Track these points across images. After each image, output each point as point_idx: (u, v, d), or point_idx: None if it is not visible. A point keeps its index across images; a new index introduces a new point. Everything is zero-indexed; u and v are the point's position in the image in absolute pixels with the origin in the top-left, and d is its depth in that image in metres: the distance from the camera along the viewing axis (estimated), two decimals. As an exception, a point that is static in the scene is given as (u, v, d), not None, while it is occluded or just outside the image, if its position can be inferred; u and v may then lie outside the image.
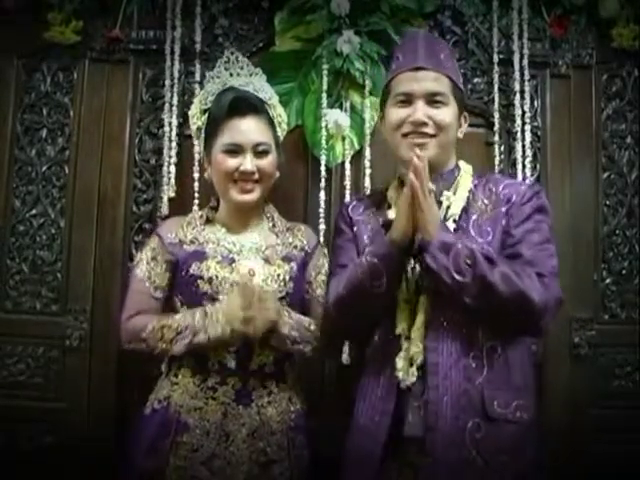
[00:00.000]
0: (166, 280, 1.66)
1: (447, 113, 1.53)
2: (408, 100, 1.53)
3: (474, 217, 1.52)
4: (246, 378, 1.60)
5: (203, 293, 1.61)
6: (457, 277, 1.39)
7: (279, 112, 1.72)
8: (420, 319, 1.47)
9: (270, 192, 1.76)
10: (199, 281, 1.61)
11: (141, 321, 1.61)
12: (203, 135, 1.69)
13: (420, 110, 1.51)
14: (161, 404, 1.62)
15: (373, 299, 1.48)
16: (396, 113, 1.54)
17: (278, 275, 1.64)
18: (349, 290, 1.49)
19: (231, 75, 1.70)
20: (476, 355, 1.45)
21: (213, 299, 1.60)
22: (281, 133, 1.72)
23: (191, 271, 1.62)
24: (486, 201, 1.54)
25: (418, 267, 1.50)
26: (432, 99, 1.52)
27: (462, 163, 1.63)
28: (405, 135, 1.53)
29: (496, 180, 1.61)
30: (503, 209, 1.51)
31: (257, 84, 1.70)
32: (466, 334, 1.45)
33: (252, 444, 1.58)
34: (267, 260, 1.66)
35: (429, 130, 1.52)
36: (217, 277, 1.60)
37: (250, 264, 1.64)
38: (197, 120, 1.70)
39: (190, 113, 1.75)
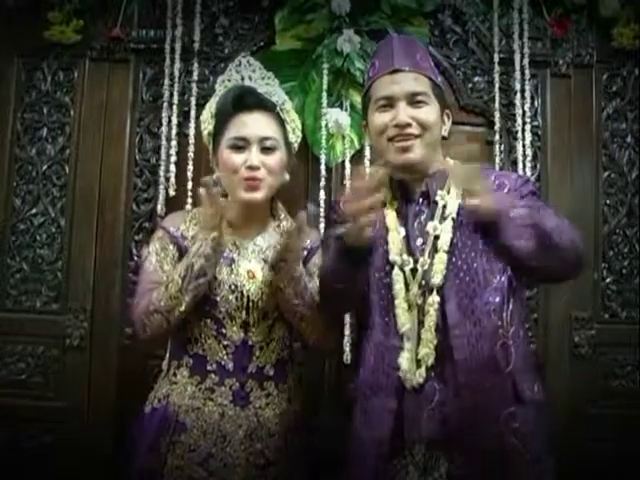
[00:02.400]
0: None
1: (430, 112, 1.52)
2: (389, 104, 1.52)
3: None
4: (244, 380, 1.59)
5: (202, 295, 1.59)
6: (525, 243, 1.34)
7: (293, 117, 1.69)
8: (430, 320, 1.46)
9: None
10: None
11: (147, 298, 1.55)
12: (212, 136, 1.67)
13: (403, 112, 1.50)
14: (160, 403, 1.61)
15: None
16: (379, 118, 1.53)
17: None
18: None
19: (242, 79, 1.68)
20: (503, 344, 1.44)
21: (212, 302, 1.59)
22: (295, 139, 1.69)
23: None
24: None
25: (420, 268, 1.49)
26: (413, 99, 1.51)
27: (449, 160, 1.62)
28: (391, 139, 1.52)
29: (486, 173, 1.59)
30: None
31: (271, 89, 1.68)
32: (489, 325, 1.44)
33: (249, 446, 1.56)
34: (267, 261, 1.63)
35: (414, 131, 1.50)
36: (216, 279, 1.58)
37: (249, 266, 1.63)
38: (208, 125, 1.67)
39: (202, 118, 1.72)
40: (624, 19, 2.22)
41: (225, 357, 1.59)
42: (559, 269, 1.42)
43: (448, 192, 1.53)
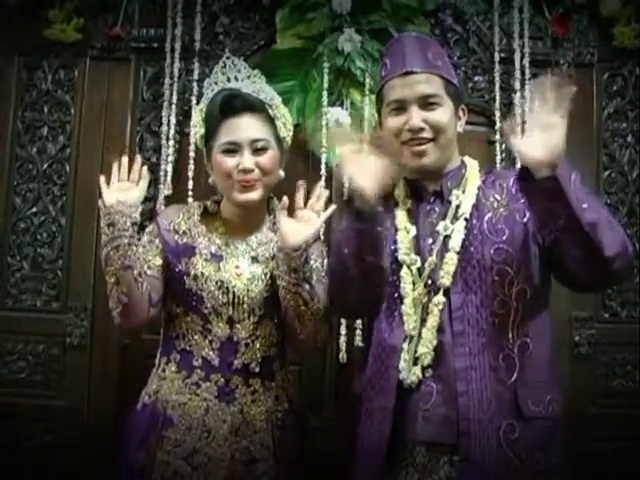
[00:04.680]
0: (160, 261, 1.63)
1: (443, 113, 1.51)
2: (402, 107, 1.51)
3: (488, 215, 1.50)
4: (229, 376, 1.59)
5: (189, 289, 1.60)
6: (581, 204, 1.30)
7: (283, 112, 1.68)
8: (433, 319, 1.45)
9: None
10: (185, 277, 1.60)
11: None
12: (204, 140, 1.68)
13: (415, 116, 1.49)
14: (151, 399, 1.62)
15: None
16: (392, 122, 1.53)
17: (265, 274, 1.63)
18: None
19: (229, 80, 1.67)
20: (507, 355, 1.43)
21: (199, 297, 1.59)
22: (287, 134, 1.69)
23: (180, 267, 1.61)
24: (498, 197, 1.52)
25: (428, 268, 1.48)
26: (426, 102, 1.50)
27: (467, 159, 1.60)
28: (404, 142, 1.51)
29: (504, 175, 1.59)
30: (517, 205, 1.49)
31: (257, 86, 1.68)
32: (492, 337, 1.43)
33: (234, 442, 1.57)
34: (256, 259, 1.65)
35: (427, 135, 1.50)
36: (202, 274, 1.59)
37: (236, 262, 1.63)
38: (200, 128, 1.67)
39: (192, 123, 1.73)
40: (625, 18, 2.22)
41: (211, 353, 1.60)
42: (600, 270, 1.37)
43: (463, 192, 1.53)
